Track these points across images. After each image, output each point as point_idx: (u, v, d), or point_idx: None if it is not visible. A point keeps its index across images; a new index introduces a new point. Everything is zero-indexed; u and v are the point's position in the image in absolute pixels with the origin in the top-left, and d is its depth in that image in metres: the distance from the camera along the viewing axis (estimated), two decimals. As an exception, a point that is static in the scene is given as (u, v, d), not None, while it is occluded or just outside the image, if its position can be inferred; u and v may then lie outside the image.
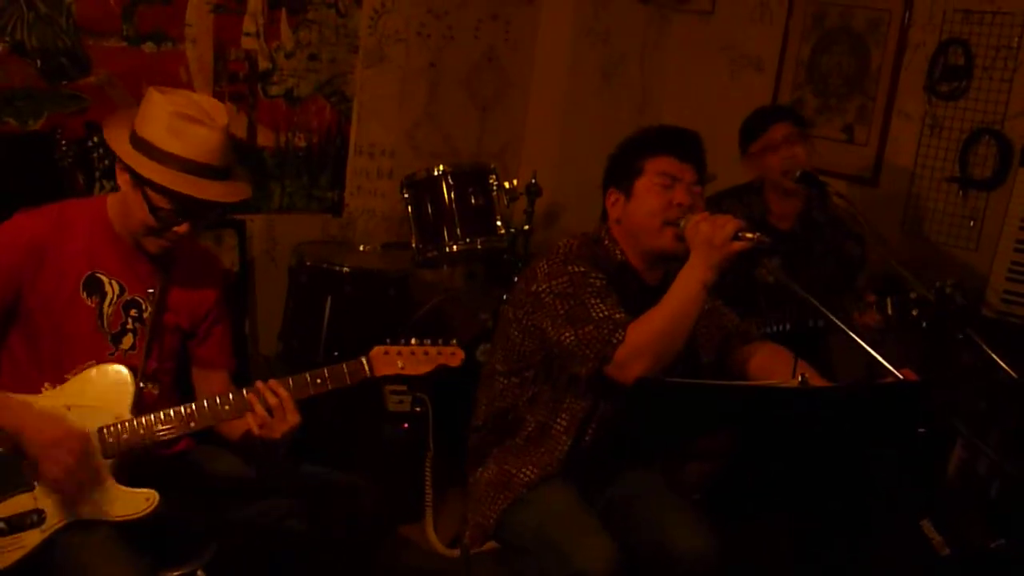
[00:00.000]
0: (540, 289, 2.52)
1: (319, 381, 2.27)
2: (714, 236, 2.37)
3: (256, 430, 2.26)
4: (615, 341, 2.37)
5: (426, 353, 2.32)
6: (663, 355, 2.38)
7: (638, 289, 2.60)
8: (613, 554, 2.37)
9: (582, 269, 2.50)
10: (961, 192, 4.09)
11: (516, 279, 3.19)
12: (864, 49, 4.41)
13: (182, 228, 2.29)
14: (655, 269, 2.64)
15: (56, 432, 2.17)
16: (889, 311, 3.20)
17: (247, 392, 2.28)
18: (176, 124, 2.25)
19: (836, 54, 4.52)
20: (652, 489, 2.64)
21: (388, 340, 2.30)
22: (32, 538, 2.21)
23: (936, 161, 4.18)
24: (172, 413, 2.27)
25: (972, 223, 4.07)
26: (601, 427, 2.61)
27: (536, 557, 2.51)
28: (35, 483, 2.22)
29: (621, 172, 2.64)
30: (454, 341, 2.36)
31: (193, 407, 2.28)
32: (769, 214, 3.56)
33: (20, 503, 2.22)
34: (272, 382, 2.27)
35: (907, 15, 4.25)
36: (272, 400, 2.25)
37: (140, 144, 2.27)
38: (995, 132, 3.98)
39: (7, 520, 2.20)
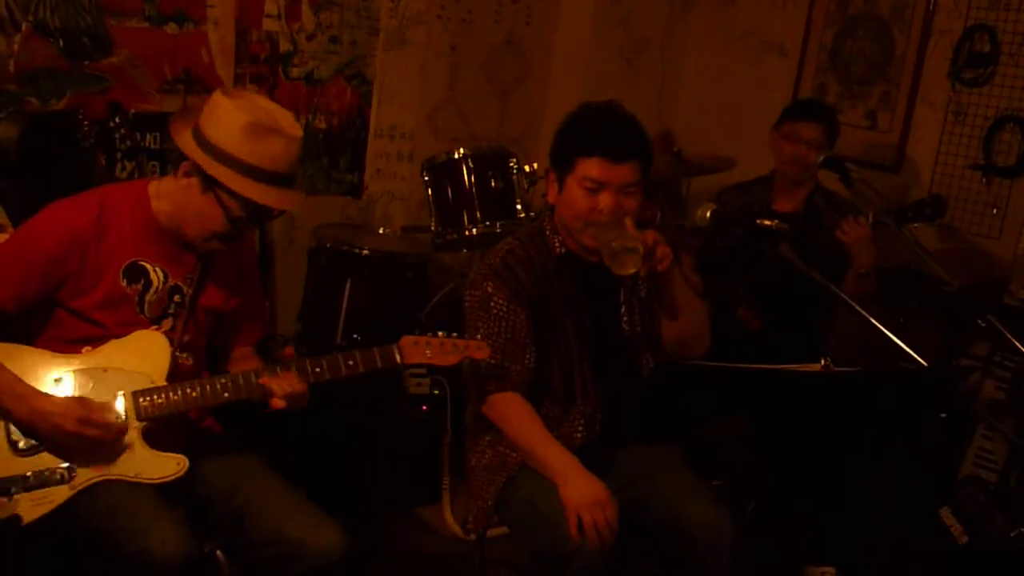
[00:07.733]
0: (465, 295, 2.61)
1: (351, 363, 2.38)
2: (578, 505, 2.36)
3: (280, 404, 2.34)
4: (488, 390, 2.52)
5: (454, 345, 2.41)
6: None
7: (579, 273, 2.59)
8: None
9: (490, 290, 2.53)
10: (984, 180, 4.06)
11: None
12: (888, 35, 4.38)
13: (249, 231, 2.38)
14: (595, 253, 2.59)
15: (44, 404, 2.22)
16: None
17: (262, 379, 2.34)
18: (254, 134, 2.27)
19: (860, 40, 4.48)
20: (666, 465, 2.59)
21: (417, 331, 2.42)
22: (60, 493, 2.24)
23: (959, 148, 4.15)
24: (207, 383, 2.33)
25: (995, 211, 4.03)
26: (589, 427, 2.58)
27: (530, 533, 2.49)
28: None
29: (556, 159, 2.60)
30: (479, 336, 2.47)
31: (227, 380, 2.34)
32: (772, 203, 3.72)
33: (49, 458, 2.24)
34: (289, 375, 2.34)
35: (933, 1, 4.21)
36: (287, 389, 2.33)
37: (213, 151, 2.28)
38: (1020, 119, 3.95)
39: (35, 473, 2.23)
